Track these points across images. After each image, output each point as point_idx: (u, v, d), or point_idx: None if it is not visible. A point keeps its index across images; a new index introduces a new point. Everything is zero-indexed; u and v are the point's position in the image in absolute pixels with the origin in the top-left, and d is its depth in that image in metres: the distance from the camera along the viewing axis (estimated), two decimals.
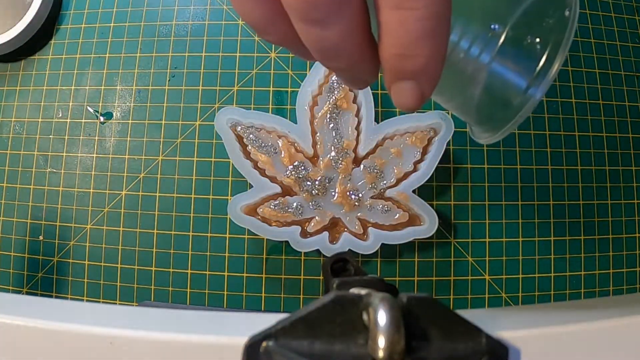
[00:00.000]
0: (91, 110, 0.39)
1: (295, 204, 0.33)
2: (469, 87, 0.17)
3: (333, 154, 0.33)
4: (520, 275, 0.35)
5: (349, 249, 0.33)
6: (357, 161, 0.34)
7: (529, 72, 0.16)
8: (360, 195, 0.33)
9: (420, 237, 0.33)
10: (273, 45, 0.38)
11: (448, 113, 0.33)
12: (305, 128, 0.34)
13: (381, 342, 0.12)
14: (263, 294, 0.35)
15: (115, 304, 0.36)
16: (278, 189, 0.33)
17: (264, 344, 0.13)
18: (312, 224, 0.33)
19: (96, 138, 0.38)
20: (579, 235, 0.36)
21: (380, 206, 0.33)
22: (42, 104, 0.39)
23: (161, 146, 0.37)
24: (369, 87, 0.33)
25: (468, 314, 0.15)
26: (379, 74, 0.16)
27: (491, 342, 0.14)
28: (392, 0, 0.13)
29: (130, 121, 0.38)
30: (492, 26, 0.16)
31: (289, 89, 0.38)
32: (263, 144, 0.33)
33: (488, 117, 0.18)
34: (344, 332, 0.13)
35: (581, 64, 0.38)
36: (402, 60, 0.14)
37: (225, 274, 0.36)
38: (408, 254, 0.36)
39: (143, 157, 0.37)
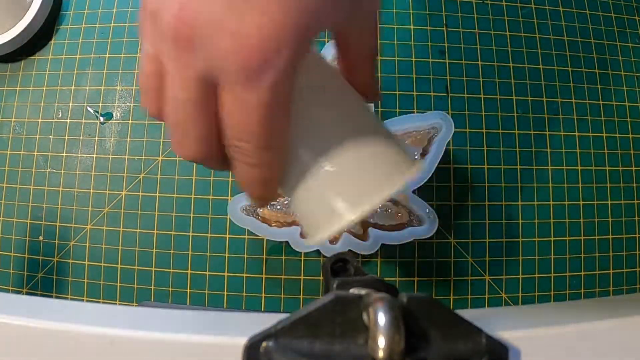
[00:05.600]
0: (91, 111, 0.39)
1: None
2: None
3: None
4: (520, 275, 0.35)
5: (349, 249, 0.33)
6: None
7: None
8: None
9: (420, 237, 0.33)
10: None
11: (448, 113, 0.33)
12: None
13: (381, 342, 0.12)
14: (263, 294, 0.35)
15: (115, 304, 0.36)
16: None
17: (264, 344, 0.13)
18: None
19: (96, 138, 0.38)
20: (579, 235, 0.36)
21: (380, 206, 0.33)
22: (42, 104, 0.39)
23: (161, 146, 0.37)
24: None
25: (468, 314, 0.15)
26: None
27: (491, 342, 0.14)
28: (239, 156, 0.18)
29: (130, 121, 0.38)
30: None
31: None
32: None
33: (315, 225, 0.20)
34: (344, 332, 0.13)
35: (581, 64, 0.38)
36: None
37: (225, 274, 0.35)
38: (408, 254, 0.36)
39: (143, 157, 0.37)
